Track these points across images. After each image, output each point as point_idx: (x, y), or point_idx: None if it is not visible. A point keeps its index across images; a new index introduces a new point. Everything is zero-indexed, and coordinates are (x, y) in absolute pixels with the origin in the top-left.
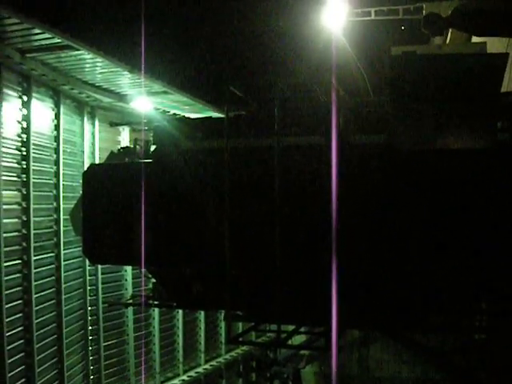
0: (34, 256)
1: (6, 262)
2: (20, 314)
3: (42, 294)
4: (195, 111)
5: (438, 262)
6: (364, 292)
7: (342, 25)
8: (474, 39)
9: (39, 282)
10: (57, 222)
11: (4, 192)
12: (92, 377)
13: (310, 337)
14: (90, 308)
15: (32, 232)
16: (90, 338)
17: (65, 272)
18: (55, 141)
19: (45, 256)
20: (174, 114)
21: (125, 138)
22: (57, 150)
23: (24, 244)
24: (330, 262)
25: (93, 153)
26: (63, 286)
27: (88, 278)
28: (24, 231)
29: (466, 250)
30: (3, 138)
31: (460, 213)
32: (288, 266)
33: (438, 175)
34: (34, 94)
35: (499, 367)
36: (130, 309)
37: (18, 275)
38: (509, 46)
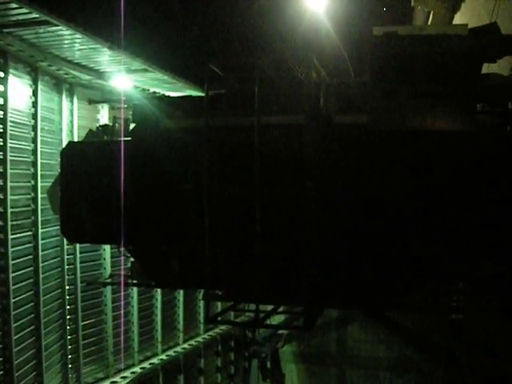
0: (11, 235)
1: None
2: None
3: (19, 272)
4: (175, 89)
5: (416, 242)
6: (343, 271)
7: (324, 4)
8: (456, 20)
9: (16, 261)
10: (34, 200)
11: None
12: (70, 356)
13: (289, 316)
14: (67, 287)
15: (9, 210)
16: (68, 317)
17: (42, 251)
18: (33, 118)
19: (22, 235)
20: (154, 92)
21: (104, 115)
22: (35, 128)
23: (1, 222)
24: (309, 241)
25: (71, 131)
26: (41, 264)
27: (66, 256)
28: (1, 209)
29: (446, 230)
30: None
31: (439, 192)
32: (267, 245)
33: (417, 156)
34: (10, 71)
35: (476, 347)
36: (109, 288)
37: None
38: None
